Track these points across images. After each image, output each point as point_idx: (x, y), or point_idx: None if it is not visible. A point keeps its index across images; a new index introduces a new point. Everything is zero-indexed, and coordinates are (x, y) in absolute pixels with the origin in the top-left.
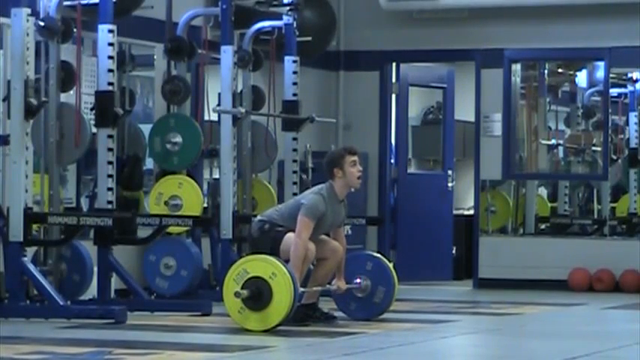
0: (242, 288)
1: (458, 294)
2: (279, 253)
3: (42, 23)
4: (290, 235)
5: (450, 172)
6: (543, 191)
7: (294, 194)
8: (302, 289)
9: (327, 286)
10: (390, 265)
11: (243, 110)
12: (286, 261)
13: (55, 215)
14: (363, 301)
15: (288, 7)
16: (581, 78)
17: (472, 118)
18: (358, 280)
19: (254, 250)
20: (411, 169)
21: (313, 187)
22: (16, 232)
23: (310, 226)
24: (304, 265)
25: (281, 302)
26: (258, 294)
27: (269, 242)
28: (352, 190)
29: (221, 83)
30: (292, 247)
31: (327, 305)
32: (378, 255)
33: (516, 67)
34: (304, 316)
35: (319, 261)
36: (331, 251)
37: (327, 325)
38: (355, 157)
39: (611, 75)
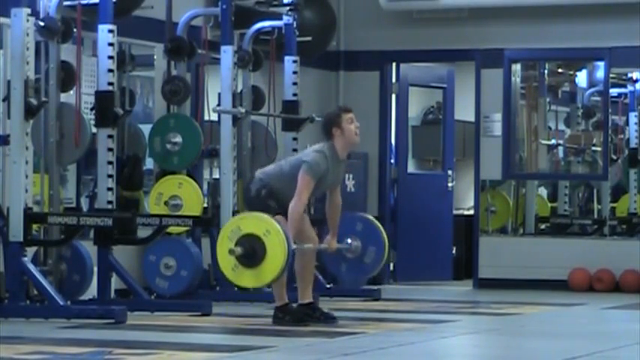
0: (235, 245)
1: (458, 294)
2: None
3: (42, 23)
4: (278, 218)
5: (450, 172)
6: (543, 191)
7: None
8: (295, 246)
9: (319, 245)
10: (380, 226)
11: (243, 110)
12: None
13: (55, 215)
14: (354, 262)
15: (288, 7)
16: (581, 78)
17: (472, 118)
18: (349, 241)
19: (248, 204)
20: (411, 169)
21: (315, 145)
22: (16, 232)
23: (311, 185)
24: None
25: (275, 259)
26: (252, 251)
27: (258, 208)
28: (353, 147)
29: (221, 83)
30: (291, 205)
31: (326, 305)
32: (368, 216)
33: (516, 67)
34: (304, 316)
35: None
36: (309, 239)
37: (327, 325)
38: (351, 115)
39: (611, 75)
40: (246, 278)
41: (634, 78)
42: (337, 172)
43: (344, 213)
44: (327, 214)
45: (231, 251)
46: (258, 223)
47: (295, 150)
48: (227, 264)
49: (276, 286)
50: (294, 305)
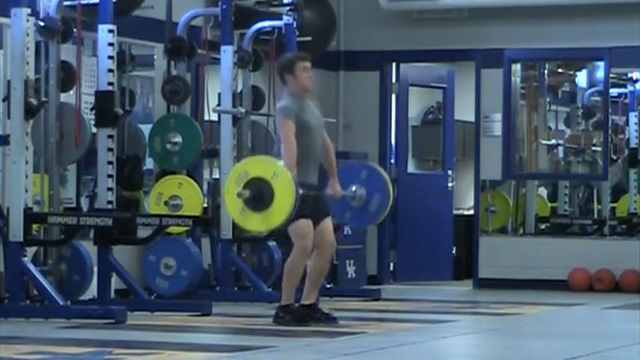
0: (243, 189)
1: (458, 294)
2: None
3: (42, 23)
4: (300, 222)
5: (450, 172)
6: (543, 191)
7: None
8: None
9: (324, 192)
10: (385, 174)
11: (243, 110)
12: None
13: (55, 215)
14: (359, 210)
15: (288, 7)
16: (581, 78)
17: (472, 118)
18: (354, 188)
19: None
20: (411, 169)
21: None
22: (16, 232)
23: (291, 125)
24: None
25: (283, 202)
26: (259, 194)
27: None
28: (305, 94)
29: (221, 83)
30: (283, 151)
31: (326, 305)
32: (373, 164)
33: (516, 67)
34: (305, 317)
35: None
36: (327, 243)
37: (327, 325)
38: (307, 64)
39: (611, 75)
40: (254, 222)
41: (634, 78)
42: (311, 111)
43: (348, 162)
44: (322, 161)
45: (239, 194)
46: (265, 166)
47: None
48: (234, 208)
49: (287, 284)
50: (296, 305)
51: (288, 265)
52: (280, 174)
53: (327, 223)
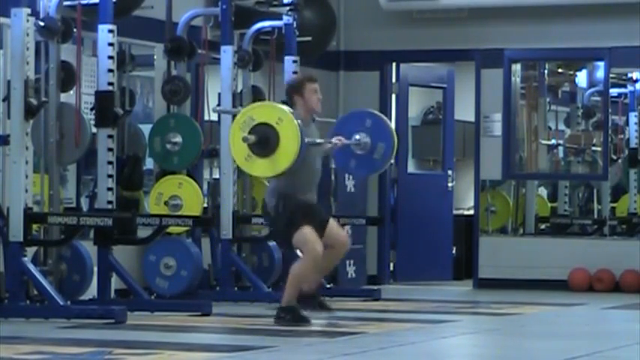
0: (249, 134)
1: (458, 294)
2: (291, 240)
3: (42, 23)
4: (304, 229)
5: (450, 172)
6: (543, 191)
7: None
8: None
9: (328, 141)
10: (390, 123)
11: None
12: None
13: (55, 215)
14: (363, 158)
15: (288, 7)
16: (581, 78)
17: (472, 118)
18: (358, 137)
19: (272, 229)
20: (411, 169)
21: None
22: (16, 232)
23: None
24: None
25: (288, 147)
26: (265, 139)
27: (283, 227)
28: (314, 114)
29: (221, 83)
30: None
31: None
32: (377, 112)
33: (516, 67)
34: (303, 316)
35: (327, 250)
36: (339, 242)
37: (322, 313)
38: (315, 85)
39: (611, 75)
40: (259, 167)
41: (634, 78)
42: (311, 132)
43: (354, 110)
44: None
45: (244, 139)
46: (270, 111)
47: None
48: (240, 154)
49: (292, 288)
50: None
51: (296, 270)
52: (285, 119)
53: (333, 224)
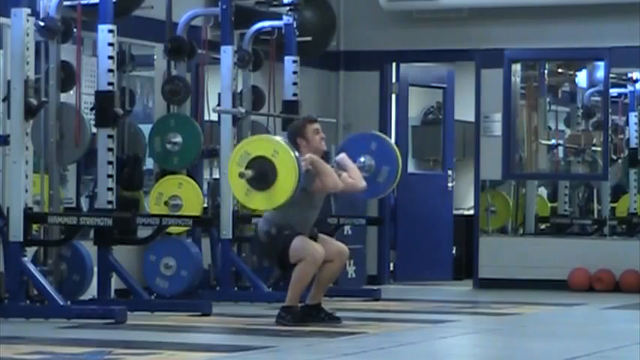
0: (246, 169)
1: (458, 294)
2: (289, 258)
3: (42, 23)
4: (298, 238)
5: (450, 172)
6: (543, 191)
7: None
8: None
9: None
10: (395, 146)
11: (243, 110)
12: (295, 264)
13: (55, 215)
14: (367, 181)
15: (288, 7)
16: (581, 78)
17: (472, 118)
18: (362, 159)
19: (264, 255)
20: (411, 169)
21: None
22: (16, 232)
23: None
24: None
25: (286, 179)
26: (262, 173)
27: (279, 247)
28: (319, 154)
29: (221, 83)
30: (328, 181)
31: (326, 305)
32: (383, 135)
33: (516, 67)
34: (305, 317)
35: (325, 263)
36: (337, 254)
37: (330, 325)
38: (317, 126)
39: (611, 75)
40: (259, 202)
41: (634, 78)
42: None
43: (359, 133)
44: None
45: (241, 174)
46: (265, 144)
47: None
48: (240, 190)
49: (295, 288)
50: (299, 306)
51: (297, 272)
52: (281, 150)
53: (328, 238)
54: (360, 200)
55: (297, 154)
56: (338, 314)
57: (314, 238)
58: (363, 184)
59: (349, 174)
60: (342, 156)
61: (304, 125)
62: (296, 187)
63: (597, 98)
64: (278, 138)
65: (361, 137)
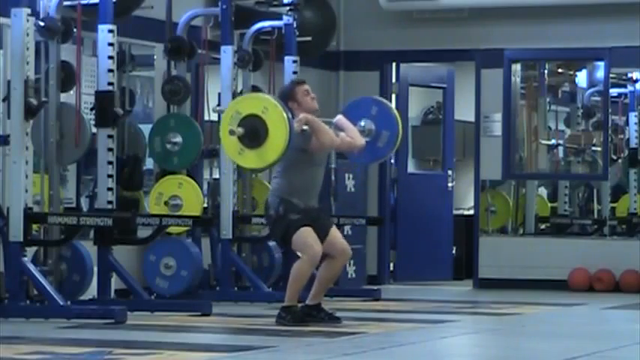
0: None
1: (458, 294)
2: (291, 244)
3: (42, 23)
4: (302, 231)
5: (450, 172)
6: (543, 191)
7: None
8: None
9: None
10: (396, 111)
11: None
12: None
13: (55, 215)
14: (367, 145)
15: (288, 7)
16: (581, 78)
17: (472, 118)
18: (363, 123)
19: (270, 229)
20: (411, 169)
21: None
22: (16, 232)
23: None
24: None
25: (277, 135)
26: (253, 130)
27: (282, 229)
28: (313, 114)
29: (221, 83)
30: (323, 137)
31: (326, 305)
32: (383, 100)
33: (516, 67)
34: (305, 317)
35: (327, 259)
36: (340, 252)
37: (331, 325)
38: (306, 87)
39: (611, 75)
40: (250, 159)
41: (634, 78)
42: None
43: (360, 97)
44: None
45: (231, 132)
46: (255, 102)
47: None
48: (233, 150)
49: (293, 287)
50: (299, 306)
51: (295, 271)
52: (270, 107)
53: (335, 232)
54: (361, 167)
55: (288, 112)
56: (338, 314)
57: (327, 229)
58: (361, 141)
59: (347, 133)
60: (340, 117)
61: (293, 88)
62: (288, 143)
63: (597, 98)
64: (267, 95)
65: (362, 101)
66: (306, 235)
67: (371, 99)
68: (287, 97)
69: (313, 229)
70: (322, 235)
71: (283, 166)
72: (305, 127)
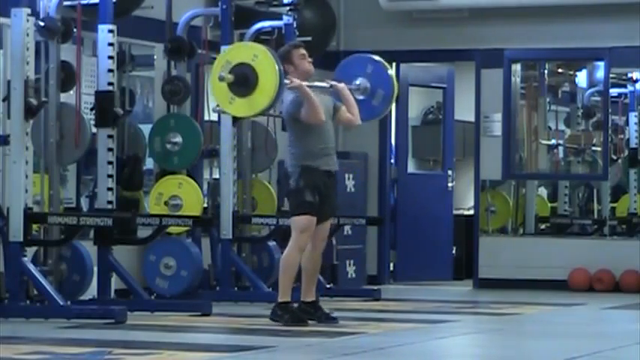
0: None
1: (458, 294)
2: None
3: (42, 23)
4: (302, 218)
5: (450, 172)
6: (543, 191)
7: None
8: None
9: (327, 82)
10: (391, 71)
11: None
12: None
13: (55, 215)
14: (362, 103)
15: (288, 7)
16: (581, 78)
17: (472, 118)
18: (358, 81)
19: (286, 195)
20: (411, 169)
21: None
22: (16, 232)
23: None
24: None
25: (267, 82)
26: (243, 78)
27: (294, 203)
28: (308, 77)
29: None
30: (309, 109)
31: (326, 305)
32: (379, 59)
33: (516, 67)
34: (303, 315)
35: (307, 251)
36: (320, 240)
37: (327, 325)
38: (302, 50)
39: (611, 75)
40: (241, 107)
41: (634, 78)
42: (322, 98)
43: (356, 55)
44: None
45: (221, 77)
46: (245, 50)
47: None
48: (224, 99)
49: (284, 279)
50: (295, 304)
51: (283, 259)
52: (261, 54)
53: (328, 224)
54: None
55: (278, 60)
56: (338, 314)
57: (328, 214)
58: (358, 122)
59: (348, 109)
60: (343, 86)
61: (290, 51)
62: (278, 91)
63: (597, 98)
64: (258, 45)
65: (358, 59)
66: (305, 225)
67: (367, 57)
68: (283, 59)
69: (317, 213)
70: (320, 221)
71: (292, 137)
72: (292, 86)
